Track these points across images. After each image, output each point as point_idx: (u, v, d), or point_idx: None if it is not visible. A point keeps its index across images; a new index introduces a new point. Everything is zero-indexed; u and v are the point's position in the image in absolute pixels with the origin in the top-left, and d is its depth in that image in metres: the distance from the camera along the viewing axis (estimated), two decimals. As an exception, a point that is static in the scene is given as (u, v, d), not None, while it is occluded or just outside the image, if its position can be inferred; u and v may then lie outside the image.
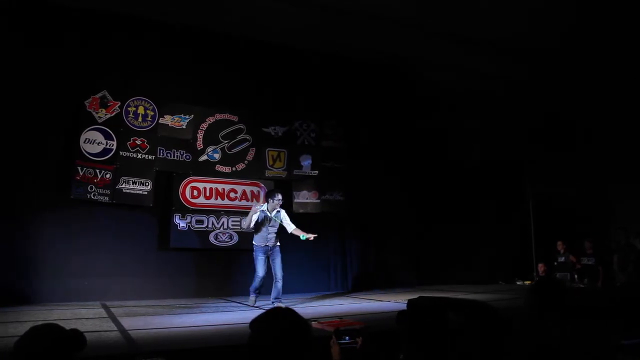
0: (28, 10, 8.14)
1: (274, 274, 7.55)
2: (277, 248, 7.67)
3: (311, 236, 7.64)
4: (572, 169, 11.79)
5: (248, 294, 7.88)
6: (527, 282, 11.15)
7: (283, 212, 7.83)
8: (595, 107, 11.46)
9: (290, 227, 7.75)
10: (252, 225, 7.61)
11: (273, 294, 7.51)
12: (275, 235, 7.64)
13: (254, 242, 7.67)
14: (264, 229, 7.56)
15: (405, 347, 2.39)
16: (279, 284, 7.52)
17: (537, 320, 2.66)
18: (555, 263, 11.33)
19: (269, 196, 7.81)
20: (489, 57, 10.47)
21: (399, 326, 2.40)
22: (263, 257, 7.52)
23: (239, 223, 9.34)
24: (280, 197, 7.71)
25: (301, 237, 7.61)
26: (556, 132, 11.87)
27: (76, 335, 2.14)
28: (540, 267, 11.42)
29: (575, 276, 10.93)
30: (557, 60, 10.16)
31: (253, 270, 7.62)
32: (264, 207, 7.70)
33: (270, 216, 7.58)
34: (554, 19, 8.88)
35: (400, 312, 2.44)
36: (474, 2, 8.60)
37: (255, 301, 7.57)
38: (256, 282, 7.53)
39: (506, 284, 11.24)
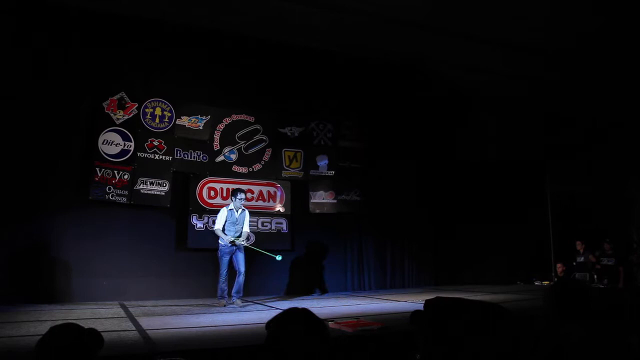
0: (48, 14, 8.25)
1: (237, 269, 7.70)
2: (242, 247, 7.83)
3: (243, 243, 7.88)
4: (590, 167, 11.65)
5: (265, 294, 7.91)
6: (546, 283, 11.04)
7: (247, 212, 8.04)
8: (612, 103, 11.32)
9: (246, 228, 7.96)
10: (220, 227, 7.77)
11: (234, 287, 7.66)
12: (240, 234, 7.81)
13: (219, 242, 7.78)
14: (231, 228, 7.73)
15: (421, 348, 2.38)
16: (241, 278, 7.68)
17: (557, 322, 2.64)
18: (575, 263, 11.20)
19: (232, 195, 7.98)
20: (504, 57, 10.38)
21: (413, 326, 2.39)
22: (227, 258, 7.68)
23: (255, 224, 9.38)
24: (241, 196, 7.86)
25: (239, 241, 7.77)
26: (574, 130, 11.75)
27: (94, 335, 2.16)
28: (559, 268, 11.30)
29: (595, 276, 10.79)
30: (573, 59, 10.05)
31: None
32: (230, 206, 7.86)
33: (235, 216, 7.76)
34: (571, 19, 8.79)
35: (414, 312, 2.42)
36: (488, 2, 8.54)
37: (226, 304, 7.57)
38: (221, 283, 7.62)
39: (524, 285, 11.14)
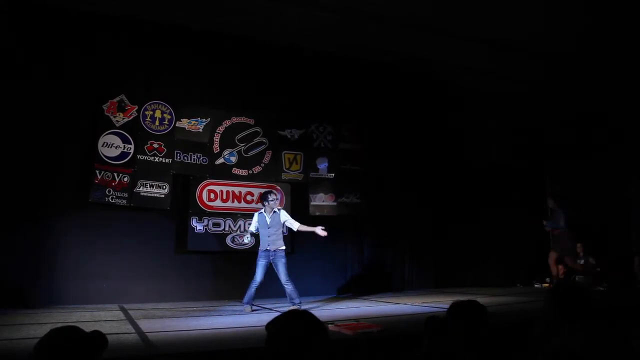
0: (48, 16, 8.25)
1: (280, 280, 7.40)
2: (281, 252, 7.41)
3: (319, 230, 7.63)
4: (590, 167, 11.63)
5: (265, 297, 7.87)
6: (546, 285, 11.02)
7: (283, 212, 7.74)
8: (615, 104, 11.31)
9: (295, 226, 7.70)
10: (253, 230, 7.63)
11: (288, 297, 7.43)
12: (276, 238, 7.45)
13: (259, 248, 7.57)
14: (264, 232, 7.46)
15: (424, 348, 2.40)
16: (288, 288, 7.35)
17: (558, 323, 2.64)
18: (575, 265, 11.17)
19: (263, 199, 7.70)
20: (505, 58, 10.38)
21: (427, 329, 2.43)
22: (264, 262, 7.34)
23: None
24: (272, 197, 7.60)
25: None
26: (574, 131, 11.75)
27: (97, 337, 2.16)
28: (560, 270, 11.25)
29: (595, 279, 10.74)
30: (573, 60, 10.05)
31: (266, 273, 7.54)
32: (262, 210, 7.63)
33: (266, 219, 7.50)
34: (570, 20, 8.80)
35: (429, 318, 2.48)
36: (490, 3, 8.54)
37: (252, 309, 7.32)
38: (251, 290, 7.29)
39: (524, 287, 11.13)
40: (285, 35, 9.62)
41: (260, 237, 7.56)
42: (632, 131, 11.35)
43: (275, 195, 7.84)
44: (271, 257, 7.38)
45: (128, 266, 8.51)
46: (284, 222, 7.68)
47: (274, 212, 7.60)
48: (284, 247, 7.51)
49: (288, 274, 7.37)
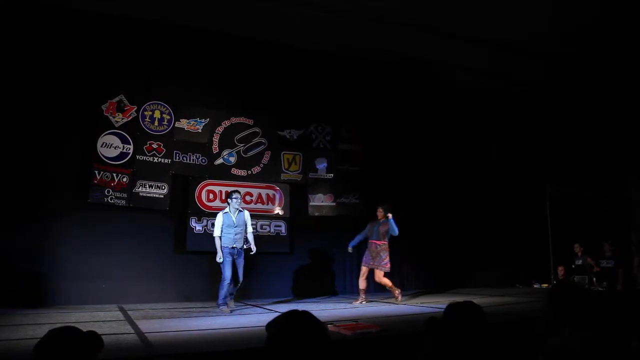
0: (48, 16, 8.24)
1: (239, 274, 7.56)
2: (243, 251, 7.66)
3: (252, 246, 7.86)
4: (590, 168, 11.63)
5: (264, 297, 7.86)
6: (545, 285, 11.02)
7: (247, 213, 7.87)
8: (615, 104, 11.31)
9: (250, 232, 7.83)
10: (218, 233, 7.61)
11: (234, 291, 7.64)
12: (241, 237, 7.63)
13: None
14: (230, 230, 7.55)
15: (425, 348, 2.40)
16: (239, 285, 7.65)
17: (557, 324, 2.63)
18: (573, 266, 11.17)
19: (227, 197, 7.83)
20: (505, 59, 10.38)
21: (427, 329, 2.44)
22: (230, 259, 7.46)
23: (254, 226, 9.30)
24: (235, 196, 7.71)
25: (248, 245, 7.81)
26: (573, 132, 11.74)
27: (93, 337, 2.15)
28: (560, 270, 11.25)
29: (594, 279, 10.75)
30: (573, 60, 10.05)
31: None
32: (226, 210, 7.71)
33: (232, 218, 7.60)
34: (570, 20, 8.80)
35: (429, 319, 2.48)
36: (490, 3, 8.54)
37: (231, 310, 7.40)
38: (225, 289, 7.36)
39: (524, 287, 11.12)
40: (285, 35, 9.61)
41: (224, 235, 7.56)
42: (632, 131, 11.34)
43: (240, 194, 7.92)
44: (235, 255, 7.53)
45: (127, 266, 8.50)
46: (246, 223, 7.80)
47: (239, 211, 7.72)
48: (245, 247, 7.72)
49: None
